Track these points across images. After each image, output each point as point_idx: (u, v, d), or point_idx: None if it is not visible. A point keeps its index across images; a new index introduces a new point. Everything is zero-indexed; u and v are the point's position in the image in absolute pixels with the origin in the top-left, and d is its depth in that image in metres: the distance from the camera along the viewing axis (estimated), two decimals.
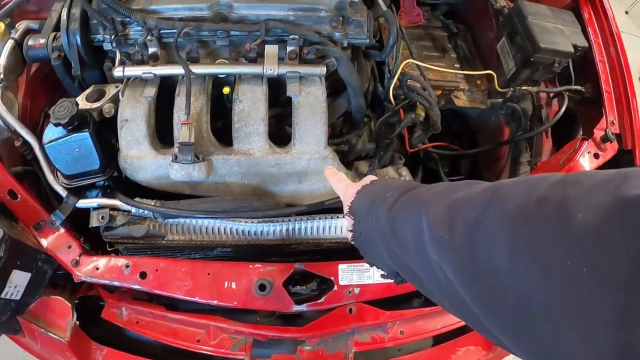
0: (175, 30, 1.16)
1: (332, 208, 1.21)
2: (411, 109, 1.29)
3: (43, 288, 1.16)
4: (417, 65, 1.32)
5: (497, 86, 1.36)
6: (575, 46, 1.28)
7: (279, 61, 1.18)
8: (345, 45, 1.23)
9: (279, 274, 1.13)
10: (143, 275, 1.14)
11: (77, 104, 1.10)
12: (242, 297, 1.12)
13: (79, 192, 1.20)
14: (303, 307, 1.13)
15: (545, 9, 1.32)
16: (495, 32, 1.41)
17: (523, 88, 1.34)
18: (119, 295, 1.25)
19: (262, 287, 1.09)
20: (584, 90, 1.33)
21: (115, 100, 1.22)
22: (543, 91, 1.36)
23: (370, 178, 0.83)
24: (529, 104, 1.41)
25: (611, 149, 1.26)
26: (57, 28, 1.26)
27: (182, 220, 1.20)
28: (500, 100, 1.40)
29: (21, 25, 1.35)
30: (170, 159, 1.15)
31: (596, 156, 1.26)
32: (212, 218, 1.19)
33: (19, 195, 1.18)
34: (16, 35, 1.32)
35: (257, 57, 1.20)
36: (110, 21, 1.18)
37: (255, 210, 1.18)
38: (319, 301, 1.14)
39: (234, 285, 1.12)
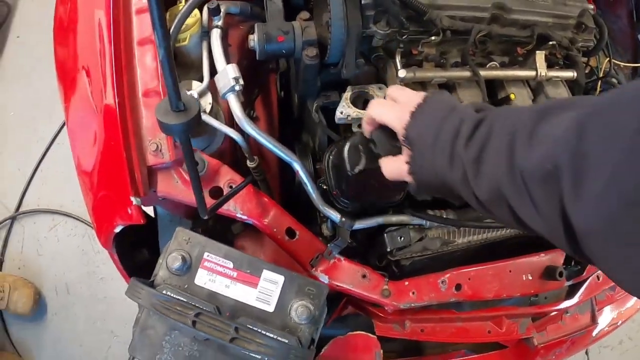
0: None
1: None
2: None
3: None
4: (609, 61, 1.48)
5: None
6: None
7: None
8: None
9: (554, 260, 1.28)
10: (458, 287, 1.17)
11: None
12: (537, 285, 1.25)
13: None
14: (570, 282, 1.32)
15: None
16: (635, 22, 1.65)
17: None
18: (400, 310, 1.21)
19: (560, 274, 1.24)
20: None
21: None
22: None
23: (417, 97, 0.82)
24: None
25: None
26: (289, 17, 1.09)
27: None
28: None
29: (220, 9, 1.11)
30: None
31: None
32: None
33: (297, 232, 1.09)
34: (220, 22, 1.12)
35: (525, 61, 1.24)
36: (395, 15, 1.06)
37: None
38: (582, 275, 1.34)
39: (530, 277, 1.25)
